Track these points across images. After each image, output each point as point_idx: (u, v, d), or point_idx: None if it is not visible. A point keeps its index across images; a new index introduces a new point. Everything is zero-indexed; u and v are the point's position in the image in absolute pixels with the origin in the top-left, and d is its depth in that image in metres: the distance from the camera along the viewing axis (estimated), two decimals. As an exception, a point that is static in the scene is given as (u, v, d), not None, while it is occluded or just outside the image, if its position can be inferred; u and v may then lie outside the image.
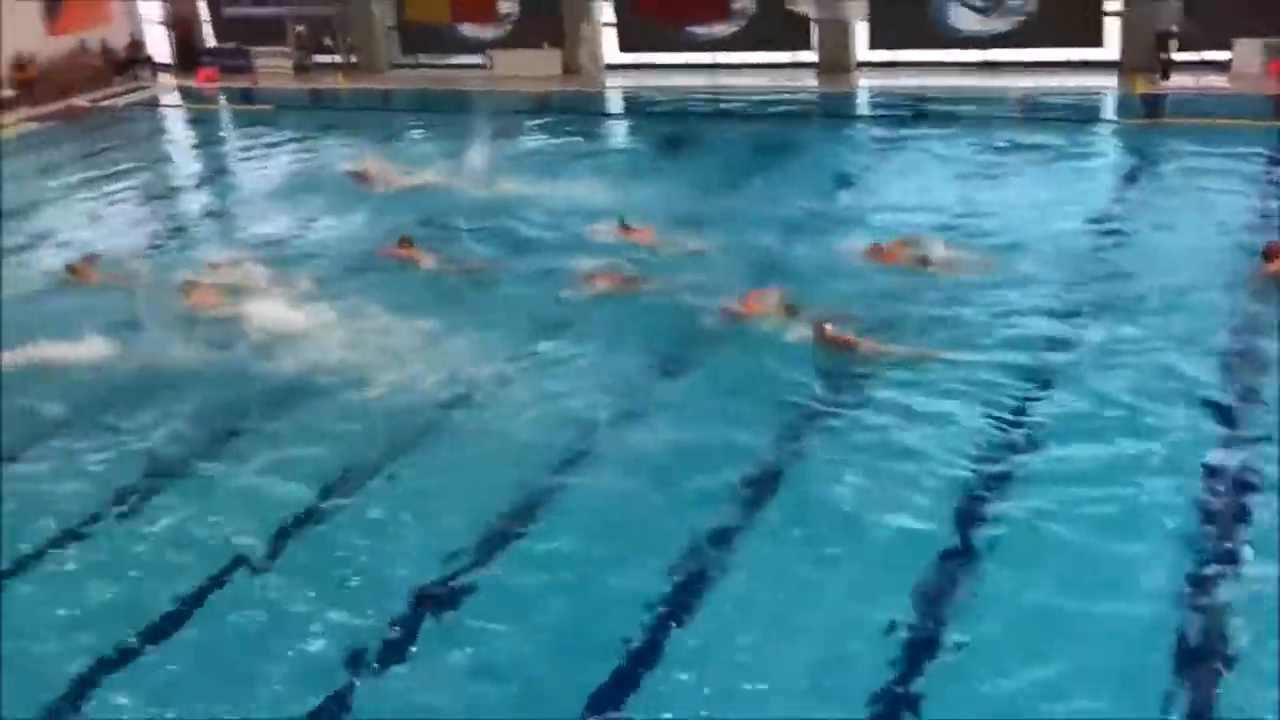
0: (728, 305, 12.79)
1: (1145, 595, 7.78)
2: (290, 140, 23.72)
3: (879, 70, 25.35)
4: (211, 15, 31.59)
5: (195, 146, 26.26)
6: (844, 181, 18.22)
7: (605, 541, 8.99)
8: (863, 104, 23.98)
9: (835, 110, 23.44)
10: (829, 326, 11.73)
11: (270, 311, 13.57)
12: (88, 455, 10.96)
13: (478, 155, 19.62)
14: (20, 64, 28.36)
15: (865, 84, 24.77)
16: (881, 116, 22.82)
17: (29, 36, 28.38)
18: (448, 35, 28.25)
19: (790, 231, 15.48)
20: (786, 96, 24.05)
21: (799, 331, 11.98)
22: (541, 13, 27.26)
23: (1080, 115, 21.17)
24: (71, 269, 15.82)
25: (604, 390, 11.41)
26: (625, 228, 15.53)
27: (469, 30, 28.19)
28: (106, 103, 28.41)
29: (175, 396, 11.91)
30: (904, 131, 20.74)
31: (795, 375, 11.30)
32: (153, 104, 28.89)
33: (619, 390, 11.43)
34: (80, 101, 28.28)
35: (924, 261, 13.71)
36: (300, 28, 29.87)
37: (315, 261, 15.81)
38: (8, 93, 28.07)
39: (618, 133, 24.24)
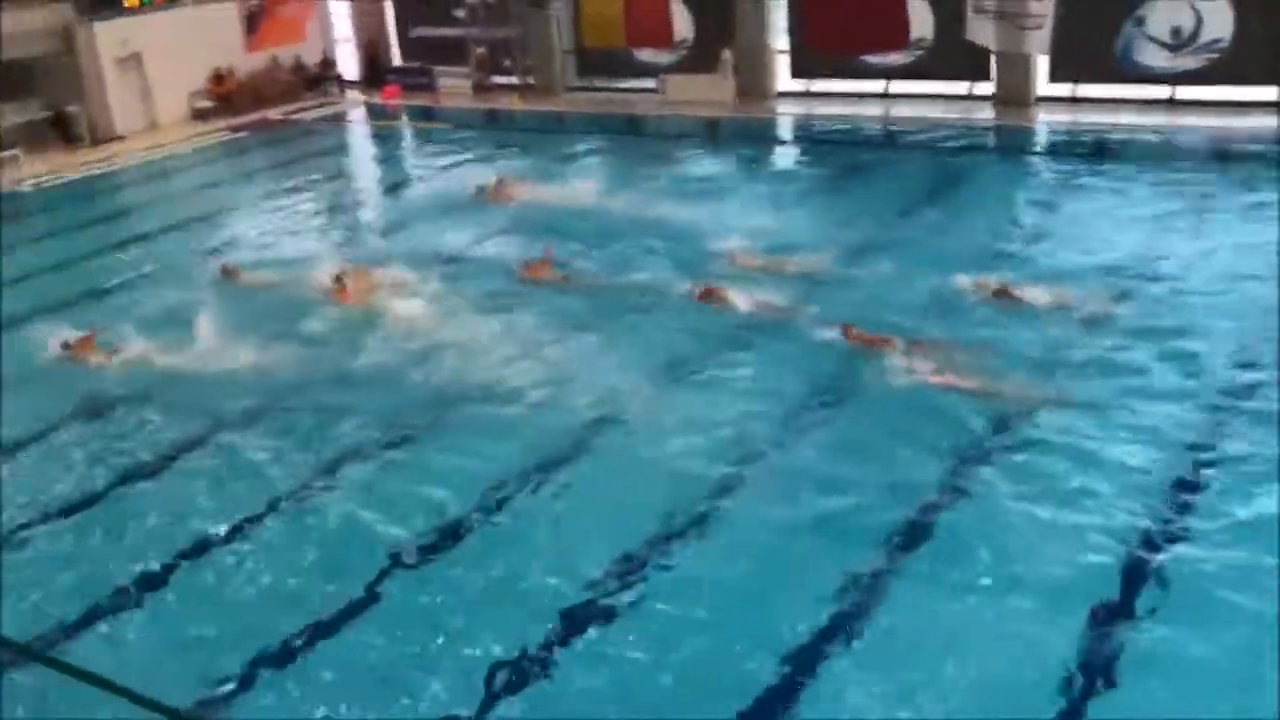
0: (860, 334, 12.78)
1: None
2: (462, 157, 24.40)
3: (1059, 105, 24.60)
4: (399, 35, 32.78)
5: (374, 160, 27.23)
6: (1013, 216, 17.78)
7: (751, 574, 8.92)
8: (1041, 138, 23.29)
9: (1012, 144, 22.84)
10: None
11: (420, 322, 14.05)
12: (237, 457, 11.49)
13: (640, 177, 19.86)
14: (219, 77, 29.99)
15: (1045, 118, 24.07)
16: (1060, 152, 22.12)
17: (229, 52, 30.01)
18: (622, 59, 28.62)
19: (942, 263, 15.13)
20: (962, 128, 23.57)
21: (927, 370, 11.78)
22: (715, 39, 27.41)
23: (1274, 159, 20.12)
24: (225, 271, 16.93)
25: (752, 418, 11.36)
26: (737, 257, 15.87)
27: (644, 55, 28.49)
28: (297, 116, 29.76)
29: (328, 398, 12.42)
30: (1082, 168, 20.04)
31: (949, 412, 11.07)
32: (339, 118, 30.12)
33: (767, 418, 11.36)
34: (273, 114, 29.73)
35: (1061, 304, 13.44)
36: (481, 49, 30.74)
37: (469, 275, 16.27)
38: (207, 104, 29.72)
39: (782, 158, 24.10)
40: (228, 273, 16.92)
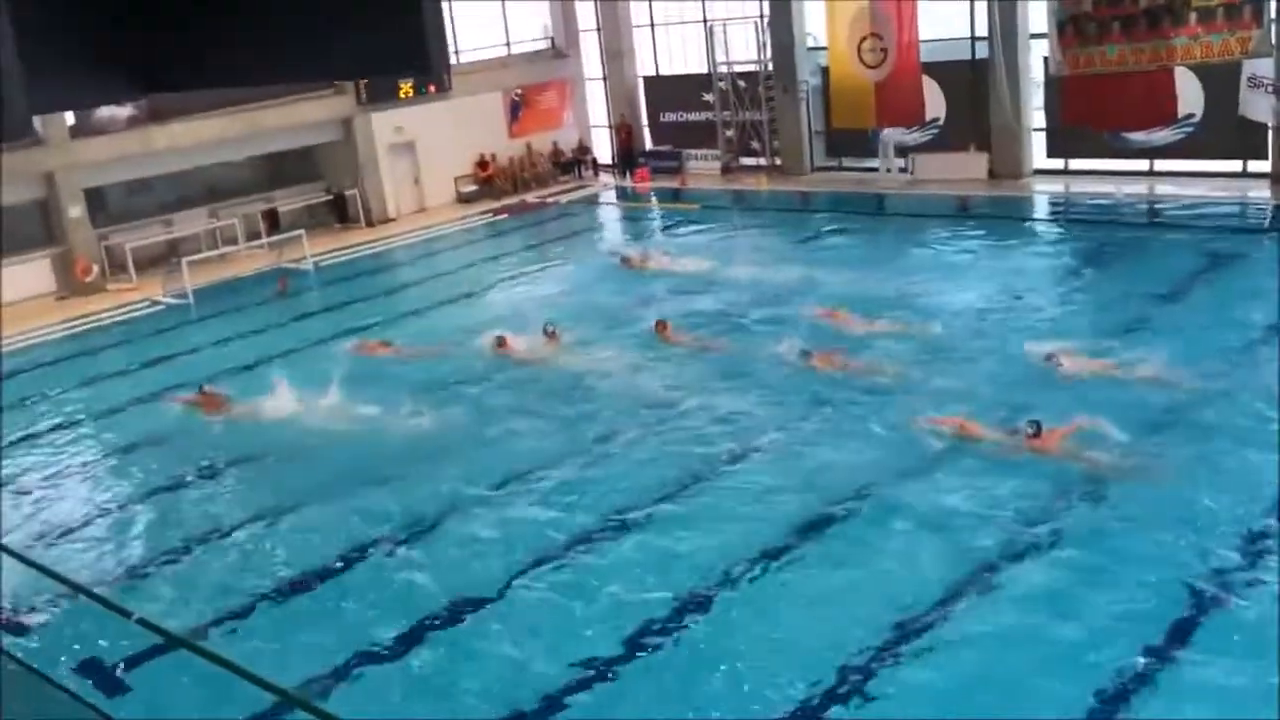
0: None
1: None
2: (706, 236, 24.87)
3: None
4: (649, 120, 33.88)
5: (621, 238, 27.87)
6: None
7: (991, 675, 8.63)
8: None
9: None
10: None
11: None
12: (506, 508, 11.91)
13: (886, 254, 19.77)
14: (483, 162, 31.71)
15: (1329, 196, 22.57)
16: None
17: (492, 138, 31.79)
18: (871, 140, 28.64)
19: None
20: (1233, 208, 22.34)
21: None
22: (968, 117, 27.08)
23: None
24: (499, 341, 17.82)
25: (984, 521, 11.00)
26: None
27: (893, 134, 28.41)
28: (553, 199, 31.07)
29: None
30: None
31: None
32: (592, 200, 31.27)
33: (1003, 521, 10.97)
34: (531, 197, 31.16)
35: None
36: (730, 132, 31.40)
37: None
38: (471, 188, 31.45)
39: (1031, 236, 23.34)
40: (500, 343, 17.83)
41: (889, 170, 28.20)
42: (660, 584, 10.34)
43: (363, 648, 9.88)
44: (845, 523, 11.22)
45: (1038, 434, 12.08)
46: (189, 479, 14.22)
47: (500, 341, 17.77)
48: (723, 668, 8.98)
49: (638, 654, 9.35)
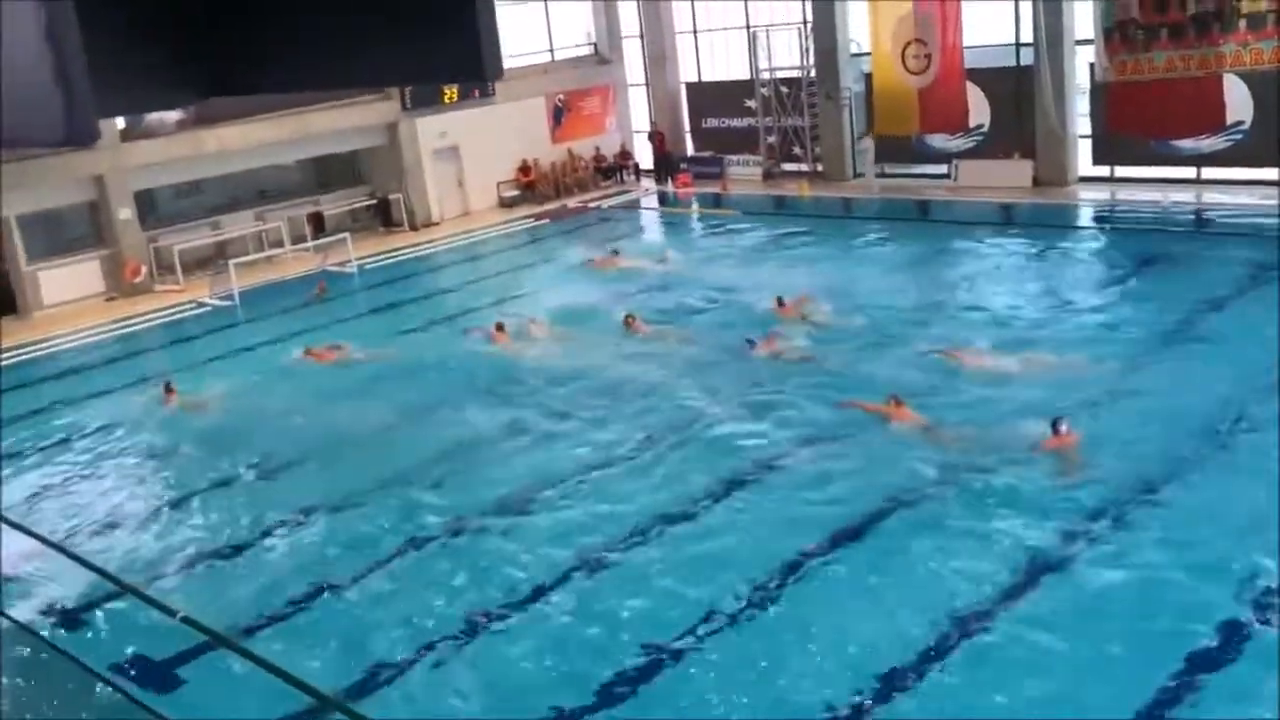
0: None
1: None
2: (745, 242, 24.91)
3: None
4: (691, 126, 33.90)
5: (657, 243, 27.83)
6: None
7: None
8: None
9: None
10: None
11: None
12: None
13: (925, 261, 19.74)
14: (525, 168, 31.87)
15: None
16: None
17: (535, 144, 31.95)
18: (915, 146, 28.53)
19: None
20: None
21: None
22: (1012, 123, 26.92)
23: None
24: (498, 327, 19.10)
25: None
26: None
27: (936, 141, 28.30)
28: (595, 204, 31.17)
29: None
30: None
31: None
32: (632, 206, 31.33)
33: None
34: (572, 202, 31.28)
35: None
36: (772, 138, 31.37)
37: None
38: (514, 192, 31.62)
39: (1071, 243, 23.06)
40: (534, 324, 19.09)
41: (862, 175, 29.32)
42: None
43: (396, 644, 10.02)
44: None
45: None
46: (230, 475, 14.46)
47: (499, 327, 18.91)
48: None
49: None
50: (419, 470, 13.85)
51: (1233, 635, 8.88)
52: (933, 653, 9.02)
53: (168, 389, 17.58)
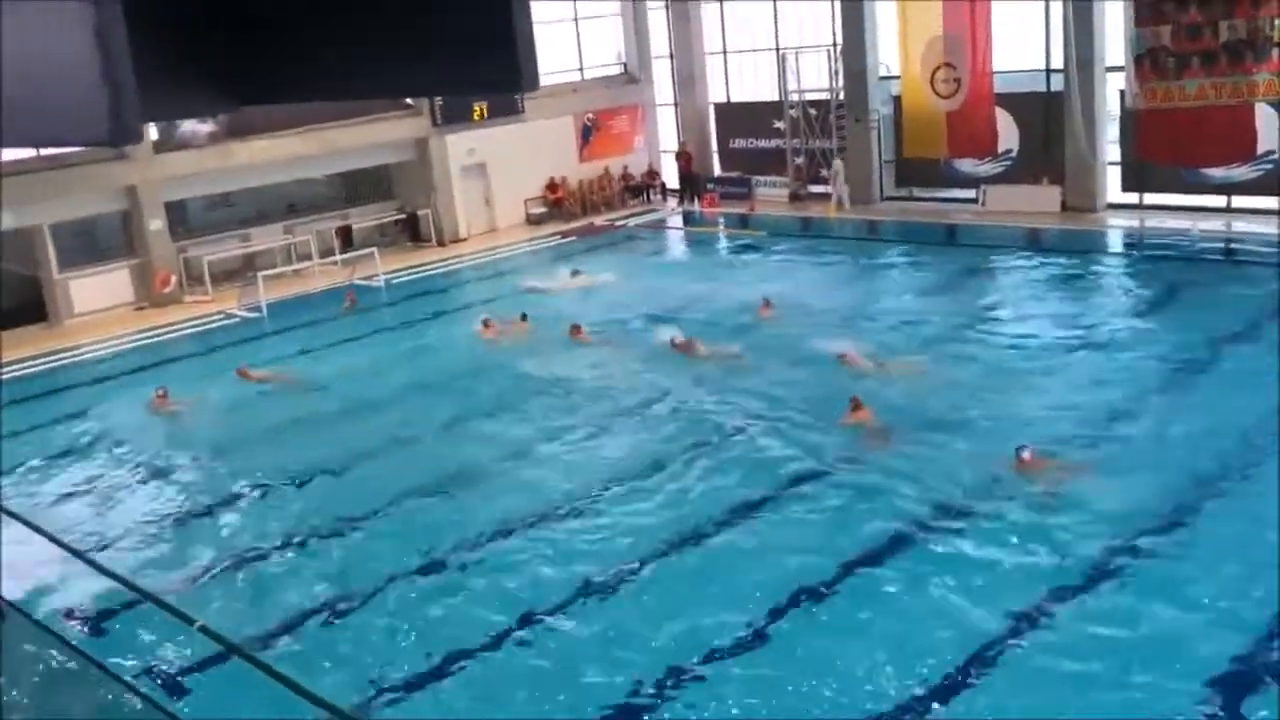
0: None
1: None
2: (768, 265, 24.99)
3: None
4: (719, 147, 33.98)
5: (681, 264, 27.85)
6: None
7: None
8: None
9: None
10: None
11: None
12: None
13: (955, 285, 19.72)
14: (553, 185, 32.00)
15: None
16: None
17: (563, 162, 32.09)
18: (942, 170, 28.50)
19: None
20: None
21: None
22: (1041, 149, 26.84)
23: None
24: (485, 324, 20.44)
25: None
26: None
27: (964, 165, 28.25)
28: (621, 222, 31.25)
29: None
30: None
31: None
32: (658, 225, 31.39)
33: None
34: (599, 221, 31.37)
35: None
36: (800, 159, 31.39)
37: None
38: (541, 210, 31.75)
39: (1099, 271, 22.87)
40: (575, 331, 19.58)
41: (839, 201, 29.62)
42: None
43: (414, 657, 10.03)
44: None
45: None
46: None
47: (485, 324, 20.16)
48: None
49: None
50: (434, 483, 13.90)
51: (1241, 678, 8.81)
52: (927, 679, 8.98)
53: (160, 394, 18.01)
